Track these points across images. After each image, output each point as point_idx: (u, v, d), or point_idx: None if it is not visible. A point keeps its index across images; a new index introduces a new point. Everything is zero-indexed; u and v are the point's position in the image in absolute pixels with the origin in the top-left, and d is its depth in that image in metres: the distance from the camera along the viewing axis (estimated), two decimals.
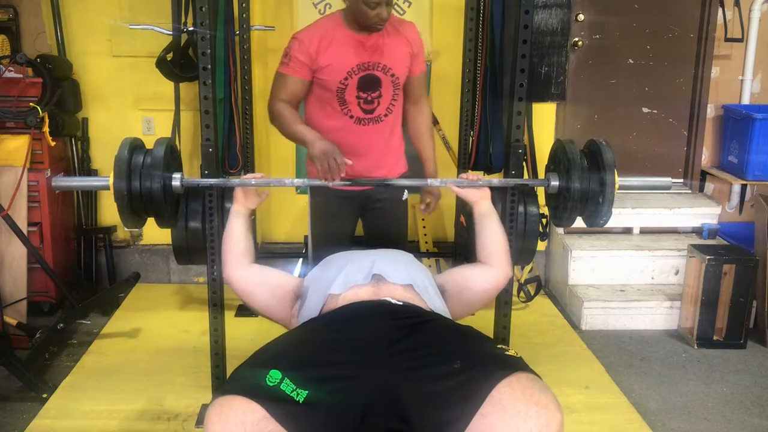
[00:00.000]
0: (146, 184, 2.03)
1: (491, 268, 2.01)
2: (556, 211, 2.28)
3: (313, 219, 2.60)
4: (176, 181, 2.12)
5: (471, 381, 1.40)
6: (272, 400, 1.37)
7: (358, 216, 2.68)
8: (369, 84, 2.44)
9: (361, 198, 2.60)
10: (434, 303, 1.82)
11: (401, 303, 1.73)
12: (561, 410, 1.38)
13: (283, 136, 2.51)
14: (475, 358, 1.47)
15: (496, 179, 2.18)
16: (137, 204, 2.05)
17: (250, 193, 2.14)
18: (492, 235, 2.06)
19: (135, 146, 2.09)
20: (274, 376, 1.40)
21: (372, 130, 2.51)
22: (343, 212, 2.62)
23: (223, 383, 2.44)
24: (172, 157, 2.16)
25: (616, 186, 2.07)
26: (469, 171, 2.19)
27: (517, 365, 1.45)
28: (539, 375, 1.46)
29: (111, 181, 2.00)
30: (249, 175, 2.16)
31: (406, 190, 2.72)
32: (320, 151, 2.30)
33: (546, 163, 2.33)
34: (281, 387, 1.39)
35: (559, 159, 2.20)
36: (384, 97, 2.48)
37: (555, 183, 2.19)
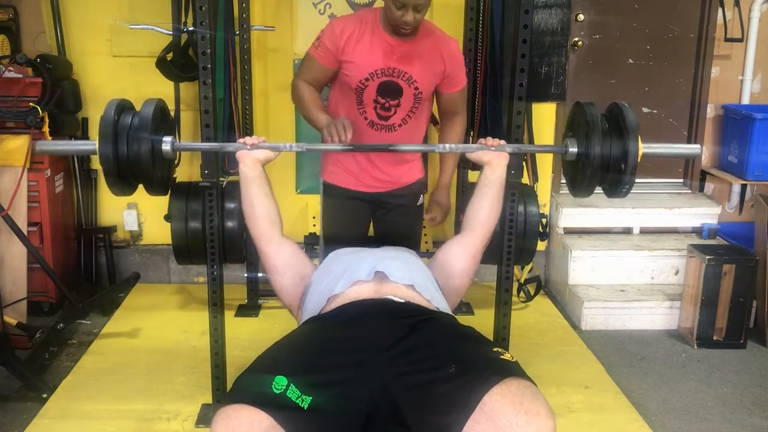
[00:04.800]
0: (134, 147, 1.88)
1: (471, 244, 1.97)
2: (574, 181, 2.12)
3: (324, 221, 2.64)
4: (167, 144, 1.97)
5: (464, 386, 1.39)
6: (279, 408, 1.36)
7: (369, 218, 2.63)
8: (389, 91, 2.38)
9: (373, 200, 2.57)
10: (437, 300, 1.82)
11: (403, 301, 1.73)
12: (553, 417, 1.37)
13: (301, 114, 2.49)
14: (469, 362, 1.46)
15: (509, 146, 2.08)
16: (125, 169, 1.91)
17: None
18: (489, 205, 2.01)
19: (122, 107, 1.95)
20: (280, 382, 1.40)
21: (383, 137, 2.44)
22: (354, 214, 2.58)
23: (223, 383, 2.46)
24: (162, 119, 2.01)
25: (640, 152, 1.91)
26: (488, 138, 2.10)
27: (511, 370, 1.44)
28: (533, 381, 1.44)
29: (97, 145, 1.88)
30: (245, 139, 2.04)
31: (421, 196, 2.67)
32: (328, 121, 2.26)
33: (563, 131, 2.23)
34: (287, 394, 1.38)
35: (577, 123, 2.06)
36: (402, 107, 2.41)
37: (573, 149, 2.04)
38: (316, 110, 2.37)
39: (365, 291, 1.76)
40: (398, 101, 2.40)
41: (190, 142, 2.15)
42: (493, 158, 2.05)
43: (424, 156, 3.20)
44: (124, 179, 1.95)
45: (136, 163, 1.91)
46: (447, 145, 2.21)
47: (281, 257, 1.96)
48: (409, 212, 2.64)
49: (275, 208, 2.00)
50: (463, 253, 1.98)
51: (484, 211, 2.00)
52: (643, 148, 1.92)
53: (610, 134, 1.96)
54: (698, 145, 2.13)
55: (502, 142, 2.09)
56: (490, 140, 2.08)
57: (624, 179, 1.95)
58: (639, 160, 1.92)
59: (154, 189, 2.06)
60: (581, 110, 2.04)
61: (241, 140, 2.03)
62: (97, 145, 1.89)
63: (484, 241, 2.00)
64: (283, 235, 1.99)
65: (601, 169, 1.96)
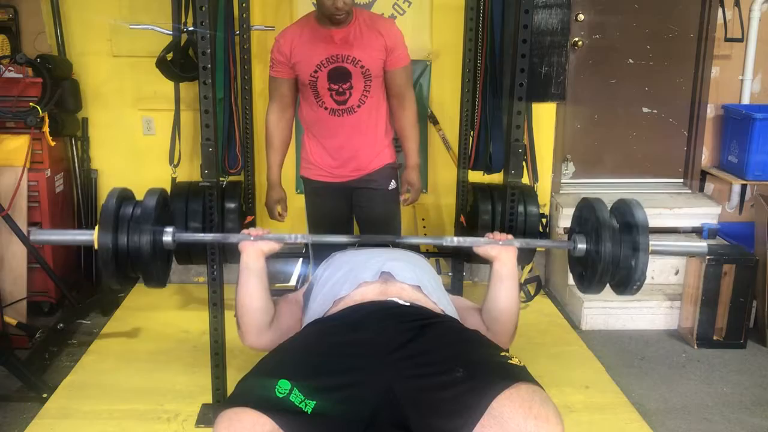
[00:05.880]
0: (134, 238, 1.81)
1: (489, 334, 1.89)
2: (583, 278, 2.05)
3: (308, 213, 2.85)
4: (168, 236, 1.91)
5: (472, 391, 1.38)
6: (282, 413, 1.35)
7: (349, 206, 2.81)
8: (339, 76, 2.56)
9: (349, 188, 2.74)
10: (443, 304, 1.81)
11: (408, 304, 1.72)
12: (562, 422, 1.36)
13: None
14: (477, 367, 1.45)
15: (517, 240, 2.02)
16: (123, 260, 1.85)
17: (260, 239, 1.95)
18: (504, 302, 1.93)
19: (123, 197, 1.89)
20: (283, 386, 1.39)
21: (346, 121, 2.62)
22: (334, 203, 2.77)
23: (223, 383, 2.46)
24: (163, 210, 1.97)
25: (650, 249, 1.88)
26: (495, 232, 2.05)
27: (519, 375, 1.43)
28: (541, 386, 1.43)
29: (95, 235, 1.81)
30: (249, 230, 1.98)
31: (393, 180, 2.80)
32: (267, 204, 2.84)
33: (570, 224, 2.18)
34: (290, 398, 1.38)
35: (585, 219, 2.02)
36: (355, 88, 2.58)
37: (582, 246, 1.98)
38: (273, 154, 2.76)
39: (371, 292, 1.75)
40: (350, 83, 2.57)
41: (192, 233, 2.08)
42: (501, 252, 1.97)
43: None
44: (121, 271, 1.88)
45: (135, 256, 1.84)
46: (455, 239, 2.12)
47: (275, 338, 1.88)
48: (382, 195, 2.79)
49: (271, 301, 1.93)
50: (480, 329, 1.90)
51: (502, 309, 1.93)
52: (652, 246, 1.88)
53: (620, 232, 1.92)
54: (705, 243, 2.10)
55: (510, 236, 2.03)
56: (497, 235, 2.02)
57: (635, 277, 1.89)
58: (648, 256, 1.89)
59: (152, 281, 1.98)
60: (589, 207, 2.00)
61: (246, 231, 1.98)
62: (95, 236, 1.80)
63: (503, 340, 1.93)
64: (271, 322, 1.92)
65: (611, 266, 1.92)
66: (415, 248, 2.82)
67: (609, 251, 1.88)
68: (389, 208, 2.83)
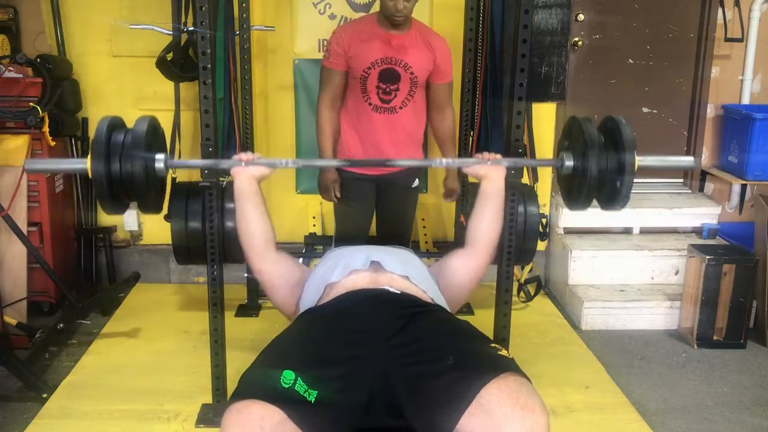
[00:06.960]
0: (127, 165, 1.83)
1: (473, 257, 1.97)
2: (570, 194, 2.10)
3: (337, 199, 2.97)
4: (160, 162, 1.93)
5: (461, 380, 1.42)
6: (288, 403, 1.38)
7: (375, 197, 2.98)
8: (389, 77, 2.75)
9: (377, 181, 2.93)
10: (432, 292, 1.84)
11: (399, 292, 1.75)
12: (547, 414, 1.40)
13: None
14: (467, 357, 1.49)
15: (506, 159, 2.10)
16: (118, 188, 1.86)
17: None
18: (488, 219, 1.99)
19: (114, 125, 1.90)
20: (287, 377, 1.42)
21: (386, 118, 2.80)
22: (362, 193, 2.93)
23: (223, 383, 2.46)
24: (155, 137, 1.97)
25: (636, 165, 1.90)
26: (485, 152, 2.10)
27: (507, 366, 1.47)
28: (528, 378, 1.47)
29: (88, 163, 1.81)
30: (240, 155, 2.01)
31: (417, 179, 3.04)
32: (323, 184, 2.91)
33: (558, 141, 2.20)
34: (295, 388, 1.41)
35: (573, 137, 2.04)
36: (401, 90, 2.78)
37: (569, 163, 2.01)
38: (327, 146, 2.84)
39: (362, 280, 1.79)
40: (397, 86, 2.77)
41: (184, 160, 2.10)
42: (490, 172, 2.02)
43: (424, 145, 3.29)
44: (116, 199, 1.90)
45: (129, 182, 1.86)
46: (444, 160, 2.36)
47: (277, 273, 1.95)
48: (406, 192, 3.03)
49: (270, 225, 1.98)
50: (465, 267, 1.98)
51: (485, 225, 2.00)
52: (639, 161, 1.91)
53: (606, 148, 1.94)
54: (691, 157, 2.16)
55: (499, 156, 2.07)
56: (486, 155, 2.06)
57: (621, 193, 1.93)
58: (635, 173, 1.92)
59: (147, 207, 2.01)
60: (577, 124, 2.02)
61: (237, 156, 2.00)
62: (88, 164, 1.82)
63: (486, 256, 1.99)
64: (278, 252, 1.97)
65: (597, 183, 1.95)
66: (408, 222, 3.11)
67: (595, 168, 1.91)
68: (408, 204, 3.09)
